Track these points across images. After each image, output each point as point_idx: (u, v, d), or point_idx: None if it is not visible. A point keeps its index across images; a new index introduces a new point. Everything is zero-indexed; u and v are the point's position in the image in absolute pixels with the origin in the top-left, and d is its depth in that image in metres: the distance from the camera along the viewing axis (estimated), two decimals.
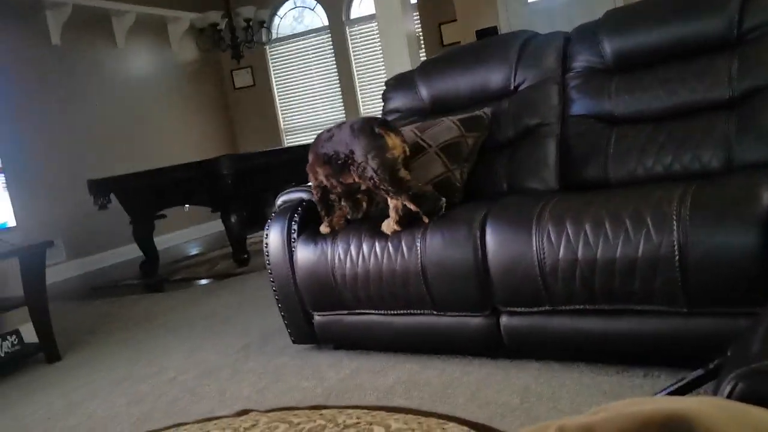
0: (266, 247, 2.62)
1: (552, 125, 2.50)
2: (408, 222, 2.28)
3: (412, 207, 2.24)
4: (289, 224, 2.56)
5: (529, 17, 5.91)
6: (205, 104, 7.96)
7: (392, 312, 2.35)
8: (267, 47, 7.98)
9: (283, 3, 7.87)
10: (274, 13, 7.90)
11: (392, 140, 2.26)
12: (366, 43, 7.47)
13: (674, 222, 1.77)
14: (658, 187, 1.95)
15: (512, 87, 2.67)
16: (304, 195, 2.68)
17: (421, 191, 2.25)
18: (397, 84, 3.05)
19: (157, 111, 7.21)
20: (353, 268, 2.35)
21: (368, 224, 2.41)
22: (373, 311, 2.39)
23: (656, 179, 2.22)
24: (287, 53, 7.99)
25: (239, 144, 8.22)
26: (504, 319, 2.14)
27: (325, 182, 2.45)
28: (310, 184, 2.59)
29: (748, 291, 1.68)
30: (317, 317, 2.56)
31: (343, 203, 2.49)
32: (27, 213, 4.37)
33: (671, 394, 1.19)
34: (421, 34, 6.78)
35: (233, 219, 4.81)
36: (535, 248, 1.98)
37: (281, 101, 8.12)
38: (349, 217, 2.50)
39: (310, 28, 7.80)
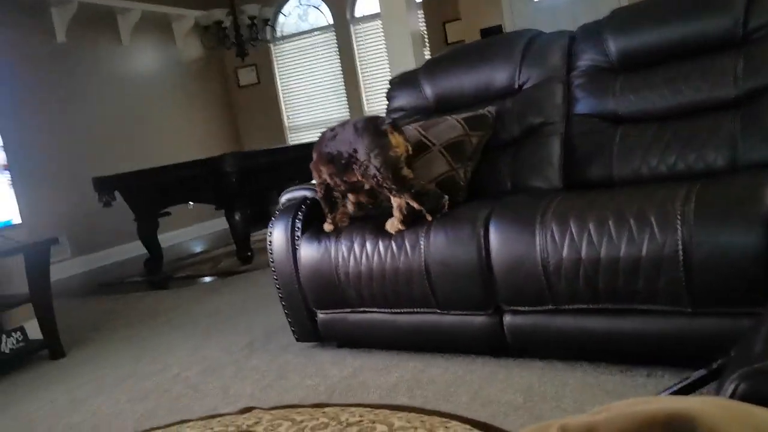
0: (270, 244, 2.62)
1: (556, 124, 2.50)
2: (412, 221, 2.28)
3: (415, 205, 2.24)
4: (293, 222, 2.57)
5: (534, 16, 5.90)
6: (210, 102, 7.97)
7: (396, 310, 2.35)
8: (271, 45, 7.98)
9: (288, 1, 7.87)
10: (278, 11, 7.90)
11: (395, 139, 2.26)
12: (370, 41, 7.47)
13: (678, 221, 1.76)
14: (662, 187, 1.95)
15: (516, 86, 2.66)
16: (307, 193, 2.68)
17: (423, 189, 2.25)
18: (401, 82, 3.05)
19: (161, 108, 7.23)
20: (357, 266, 2.35)
21: (372, 222, 2.42)
22: (377, 309, 2.39)
23: (660, 178, 2.21)
24: (292, 51, 7.99)
25: (243, 142, 8.23)
26: (507, 318, 2.14)
27: (328, 180, 2.45)
28: (313, 182, 2.59)
29: (753, 291, 1.68)
30: (321, 315, 2.56)
31: (347, 201, 2.49)
32: (32, 210, 4.38)
33: (674, 393, 1.19)
34: (425, 32, 6.77)
35: (237, 217, 4.82)
36: (538, 247, 1.98)
37: (285, 99, 8.12)
38: (352, 214, 2.50)
39: (314, 26, 7.80)
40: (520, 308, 2.09)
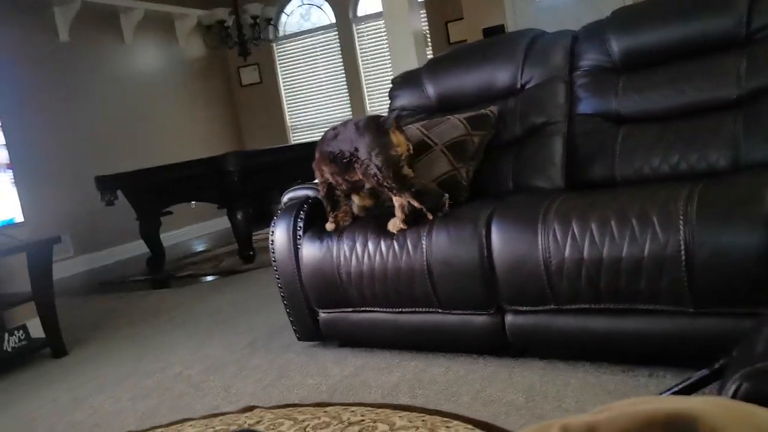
0: (272, 244, 2.62)
1: (559, 124, 2.49)
2: (413, 220, 2.28)
3: (415, 204, 2.24)
4: (295, 221, 2.57)
5: (536, 15, 5.89)
6: (212, 101, 7.97)
7: (397, 310, 2.35)
8: (274, 44, 7.98)
9: (290, 0, 7.87)
10: (281, 11, 7.90)
11: (396, 138, 2.26)
12: (373, 40, 7.47)
13: (681, 221, 1.76)
14: (664, 187, 1.95)
15: (519, 85, 2.66)
16: (310, 192, 2.68)
17: (424, 188, 2.25)
18: (403, 82, 3.05)
19: (163, 108, 7.23)
20: (359, 265, 2.35)
21: (374, 222, 2.42)
22: (379, 309, 2.39)
23: (663, 178, 2.21)
24: (294, 50, 7.99)
25: (246, 141, 8.24)
26: (509, 318, 2.14)
27: (330, 179, 2.45)
28: (316, 181, 2.60)
29: (755, 291, 1.67)
30: (322, 314, 2.56)
31: (352, 203, 2.49)
32: (35, 209, 4.38)
33: (676, 393, 1.19)
34: (427, 32, 6.77)
35: (239, 216, 4.82)
36: (540, 247, 1.98)
37: (288, 98, 8.12)
38: (355, 212, 2.50)
39: (317, 25, 7.80)
40: (521, 308, 2.09)
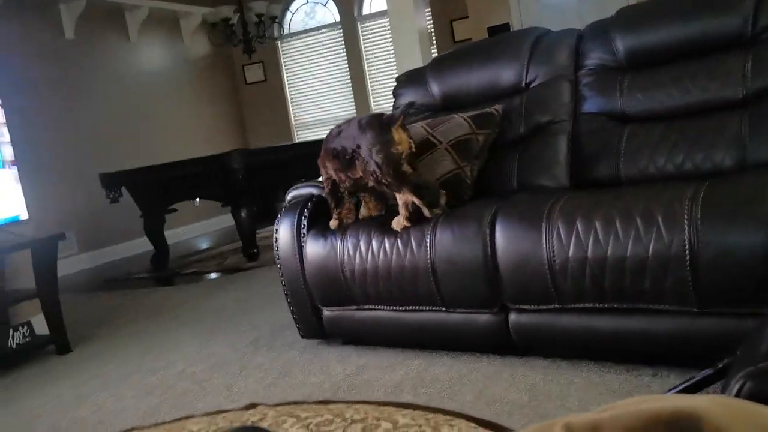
0: (276, 241, 2.62)
1: (563, 123, 2.49)
2: (417, 218, 2.28)
3: (415, 200, 2.24)
4: (299, 219, 2.57)
5: (542, 14, 5.88)
6: (217, 99, 7.98)
7: (401, 308, 2.35)
8: (279, 42, 7.99)
9: None
10: (286, 9, 7.90)
11: (399, 135, 2.26)
12: (377, 39, 7.46)
13: (685, 221, 1.76)
14: (669, 186, 1.94)
15: (524, 84, 2.66)
16: (314, 190, 2.69)
17: (424, 183, 2.26)
18: (408, 80, 3.05)
19: (168, 105, 7.24)
20: (362, 263, 2.35)
21: (378, 220, 2.42)
22: (382, 307, 2.40)
23: (668, 178, 2.21)
24: (299, 49, 7.99)
25: (250, 139, 8.24)
26: (513, 317, 2.13)
27: (334, 176, 2.46)
28: (320, 178, 2.60)
29: (760, 291, 1.67)
30: (326, 312, 2.56)
31: (362, 206, 2.50)
32: (39, 206, 4.40)
33: (680, 393, 1.18)
34: (432, 30, 6.77)
35: (243, 213, 4.83)
36: (544, 246, 1.97)
37: (292, 96, 8.12)
38: (360, 216, 2.51)
39: (321, 23, 7.80)
40: (525, 307, 2.09)
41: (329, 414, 1.97)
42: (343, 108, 7.77)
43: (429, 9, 6.68)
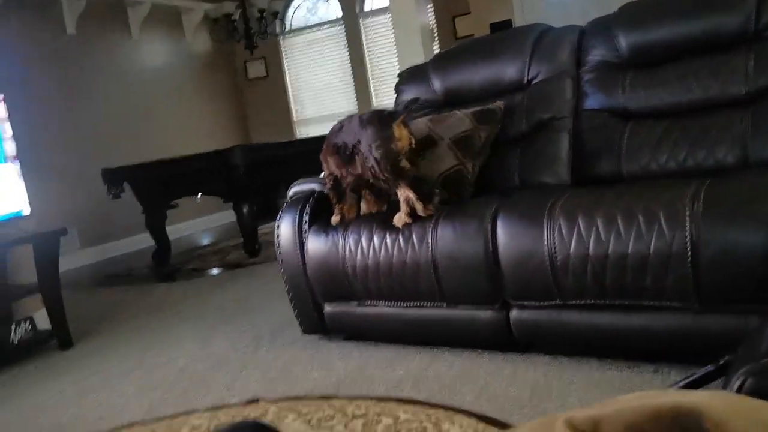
0: (277, 237, 2.62)
1: (565, 119, 2.49)
2: (418, 214, 2.28)
3: (412, 196, 2.25)
4: (301, 215, 2.57)
5: (544, 11, 5.87)
6: (218, 95, 7.98)
7: (402, 304, 2.35)
8: (280, 38, 7.98)
9: None
10: (288, 4, 7.90)
11: (399, 131, 2.27)
12: (380, 35, 7.45)
13: (687, 219, 1.76)
14: (671, 184, 1.94)
15: (526, 80, 2.66)
16: (315, 186, 2.69)
17: (420, 175, 2.26)
18: (410, 76, 3.05)
19: (170, 101, 7.24)
20: (364, 259, 2.36)
21: (380, 216, 2.42)
22: (384, 303, 2.40)
23: (670, 175, 2.21)
24: (301, 44, 7.98)
25: (252, 135, 8.24)
26: (514, 313, 2.14)
27: (335, 172, 2.46)
28: (322, 175, 2.60)
29: (760, 289, 1.67)
30: (327, 308, 2.57)
31: (363, 194, 2.50)
32: (41, 201, 4.40)
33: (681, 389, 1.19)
34: (434, 26, 6.76)
35: (245, 209, 4.83)
36: (546, 242, 1.97)
37: (294, 92, 8.12)
38: (362, 212, 2.51)
39: (324, 19, 7.79)
40: (527, 303, 2.09)
41: (330, 409, 1.97)
42: (345, 104, 7.76)
43: (431, 5, 6.67)
